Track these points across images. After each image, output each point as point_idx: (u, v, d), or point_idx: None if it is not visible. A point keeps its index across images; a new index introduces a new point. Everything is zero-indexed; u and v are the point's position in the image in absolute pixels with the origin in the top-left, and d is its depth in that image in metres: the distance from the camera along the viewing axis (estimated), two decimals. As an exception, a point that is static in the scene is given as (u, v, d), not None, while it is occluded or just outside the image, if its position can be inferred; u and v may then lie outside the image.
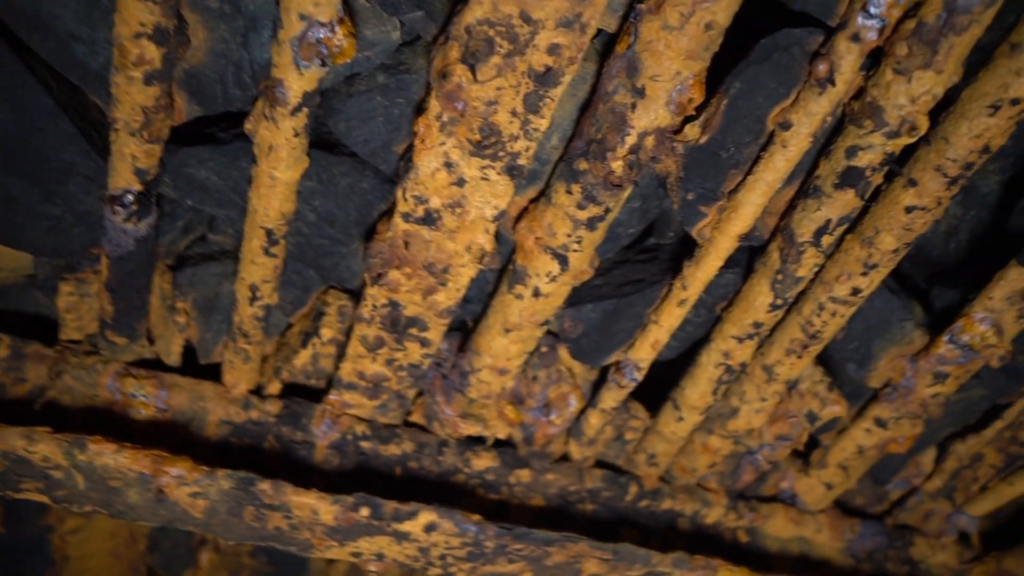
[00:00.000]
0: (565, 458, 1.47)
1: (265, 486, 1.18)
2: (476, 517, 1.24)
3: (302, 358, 1.28)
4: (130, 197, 1.03)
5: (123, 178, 1.02)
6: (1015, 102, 0.92)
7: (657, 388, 1.42)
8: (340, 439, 1.34)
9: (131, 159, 1.00)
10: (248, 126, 0.97)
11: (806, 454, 1.56)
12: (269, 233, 1.06)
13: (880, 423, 1.38)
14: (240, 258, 1.12)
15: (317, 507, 1.19)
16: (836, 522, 1.60)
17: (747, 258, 1.19)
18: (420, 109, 0.97)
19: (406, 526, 1.23)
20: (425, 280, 1.11)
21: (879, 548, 1.63)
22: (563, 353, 1.32)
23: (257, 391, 1.35)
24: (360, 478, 1.34)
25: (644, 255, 1.21)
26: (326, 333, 1.25)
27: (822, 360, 1.38)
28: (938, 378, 1.29)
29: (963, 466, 1.56)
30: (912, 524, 1.67)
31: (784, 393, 1.30)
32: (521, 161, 0.96)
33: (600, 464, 1.49)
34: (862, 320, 1.29)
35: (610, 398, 1.29)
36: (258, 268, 1.11)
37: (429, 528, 1.24)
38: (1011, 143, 1.33)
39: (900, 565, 1.63)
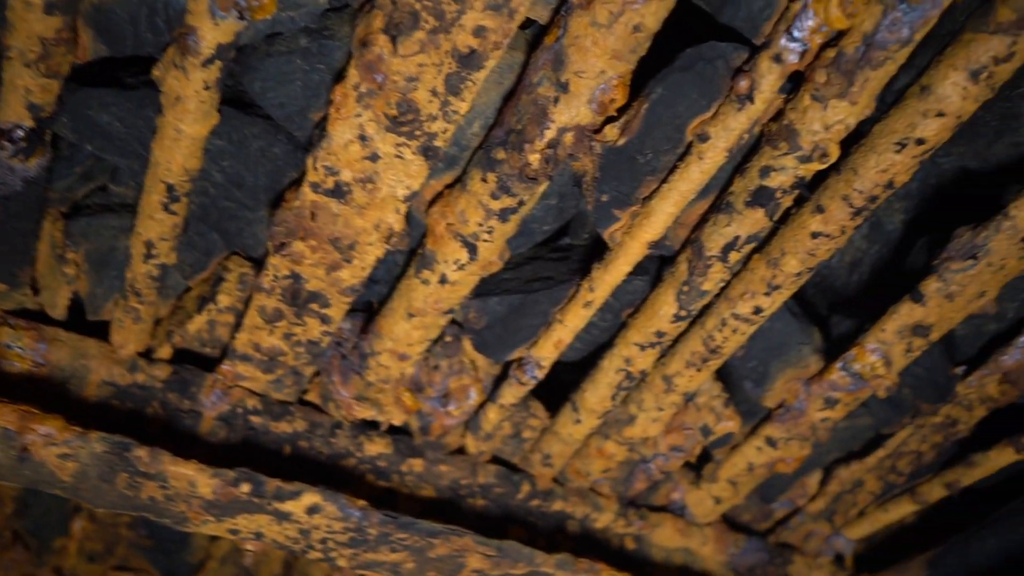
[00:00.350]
0: (461, 451, 1.45)
1: (141, 452, 1.12)
2: (361, 502, 1.22)
3: (196, 324, 1.23)
4: (20, 133, 0.97)
5: (13, 111, 0.95)
6: (920, 142, 0.95)
7: (561, 390, 1.42)
8: (229, 411, 1.29)
9: (24, 92, 0.94)
10: (156, 73, 0.93)
11: (699, 467, 1.59)
12: (170, 188, 1.01)
13: (771, 442, 1.42)
14: (138, 212, 1.06)
15: (195, 479, 1.14)
16: (721, 536, 1.63)
17: (657, 267, 1.20)
18: (340, 77, 0.94)
19: (288, 506, 1.19)
20: (330, 255, 1.08)
21: (759, 564, 1.67)
22: (467, 345, 1.31)
23: (146, 354, 1.29)
24: (246, 453, 1.30)
25: (557, 254, 1.21)
26: (223, 300, 1.21)
27: (721, 376, 1.40)
28: (828, 403, 1.33)
29: (844, 490, 1.61)
30: (793, 543, 1.72)
31: (681, 405, 1.31)
32: (438, 143, 0.94)
33: (496, 460, 1.48)
34: (762, 340, 1.32)
35: (510, 394, 1.28)
36: (156, 224, 1.06)
37: (312, 510, 1.20)
38: (916, 185, 1.38)
39: (777, 582, 1.67)
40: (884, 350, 1.25)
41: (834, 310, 1.43)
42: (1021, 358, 1.32)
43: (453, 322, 1.29)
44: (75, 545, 1.86)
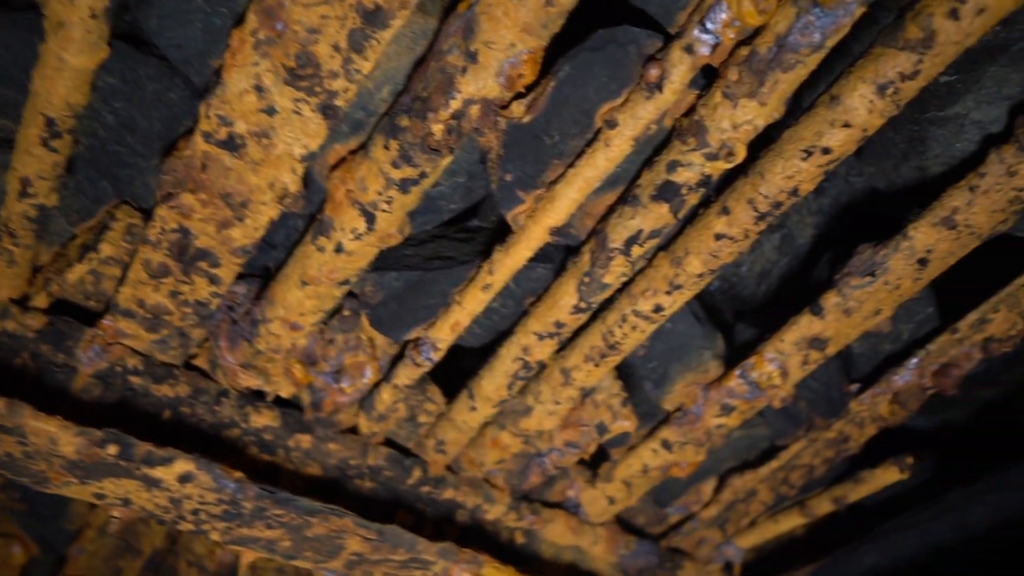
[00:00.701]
0: (353, 431, 1.41)
1: (-1, 403, 1.05)
2: (238, 474, 1.17)
3: (77, 273, 1.16)
4: None
5: None
6: (826, 151, 0.95)
7: (463, 377, 1.40)
8: (107, 369, 1.22)
9: None
10: (40, -5, 0.86)
11: (595, 466, 1.58)
12: (51, 123, 0.95)
13: (667, 445, 1.41)
14: (15, 146, 0.99)
15: (58, 436, 1.08)
16: (613, 536, 1.63)
17: (562, 257, 1.18)
18: (239, 21, 0.89)
19: (158, 472, 1.13)
20: (221, 211, 1.02)
21: (649, 567, 1.67)
22: (365, 321, 1.27)
23: (21, 302, 1.21)
24: (122, 415, 1.23)
25: (462, 235, 1.18)
26: (106, 249, 1.14)
27: (622, 375, 1.39)
28: (725, 410, 1.33)
29: (738, 499, 1.62)
30: (684, 549, 1.73)
31: (578, 400, 1.30)
32: (339, 102, 0.91)
33: (389, 444, 1.45)
34: (664, 341, 1.31)
35: (405, 375, 1.25)
36: (34, 160, 0.99)
37: (184, 478, 1.15)
38: (828, 202, 1.39)
39: (665, 586, 1.67)
40: (781, 360, 1.25)
41: (740, 318, 1.43)
42: (911, 379, 1.35)
43: (351, 296, 1.25)
44: (-60, 503, 1.75)
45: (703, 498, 1.64)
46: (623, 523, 1.69)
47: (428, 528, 1.42)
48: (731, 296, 1.45)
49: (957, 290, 1.36)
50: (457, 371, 1.43)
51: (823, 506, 1.56)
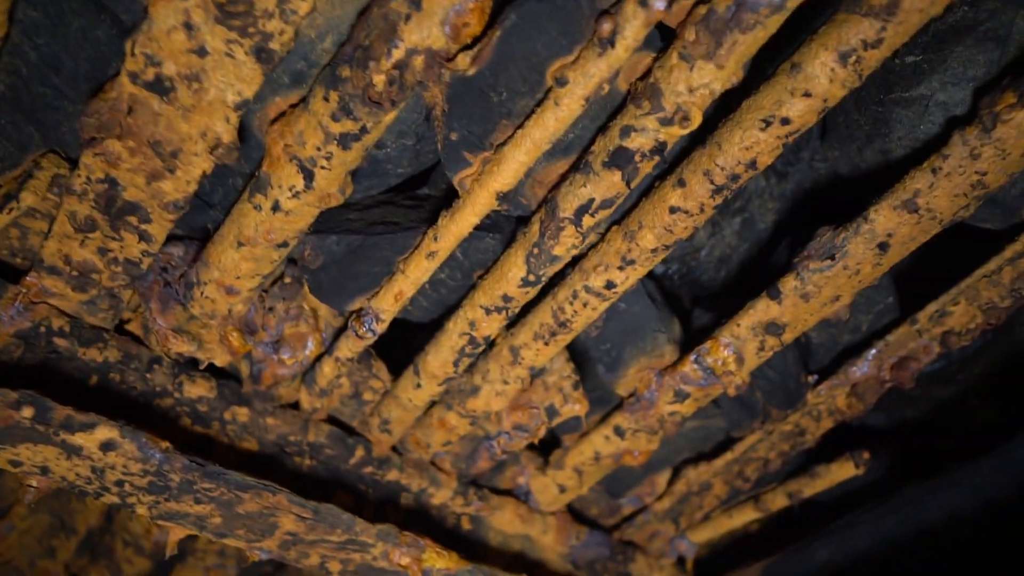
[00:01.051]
0: (294, 407, 1.36)
1: (-94, 358, 0.99)
2: (165, 444, 1.11)
3: (-3, 224, 1.10)
4: None
5: None
6: (785, 121, 0.91)
7: (412, 356, 1.35)
8: (31, 329, 1.16)
9: None
10: (-47, -84, 0.81)
11: (547, 453, 1.53)
12: (-34, 58, 0.89)
13: (619, 432, 1.37)
14: (-71, 82, 0.93)
15: (-32, 396, 1.01)
16: (564, 526, 1.59)
17: (512, 228, 1.13)
18: (169, -46, 0.83)
19: (79, 439, 1.07)
20: (151, 161, 0.97)
21: (600, 559, 1.63)
22: (308, 290, 1.21)
23: (-59, 256, 1.15)
24: (45, 378, 1.17)
25: (411, 202, 1.13)
26: (28, 199, 1.08)
27: (575, 357, 1.35)
28: (679, 396, 1.29)
29: (692, 492, 1.58)
30: (637, 542, 1.69)
31: (527, 380, 1.25)
32: (274, 45, 0.85)
33: (332, 422, 1.39)
34: (618, 323, 1.27)
35: (347, 347, 1.20)
36: (-51, 99, 0.93)
37: (106, 446, 1.09)
38: (791, 187, 1.36)
39: (615, 579, 1.64)
40: (737, 346, 1.22)
41: (698, 304, 1.40)
42: (869, 371, 1.32)
43: (293, 263, 1.20)
44: None
45: (657, 490, 1.60)
46: (575, 514, 1.65)
47: (369, 510, 1.37)
48: (689, 281, 1.41)
49: (920, 282, 1.34)
50: (408, 350, 1.38)
51: (777, 501, 1.53)
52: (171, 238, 1.19)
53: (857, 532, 1.43)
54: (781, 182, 1.33)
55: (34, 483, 1.13)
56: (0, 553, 1.93)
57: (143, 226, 1.05)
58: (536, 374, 1.29)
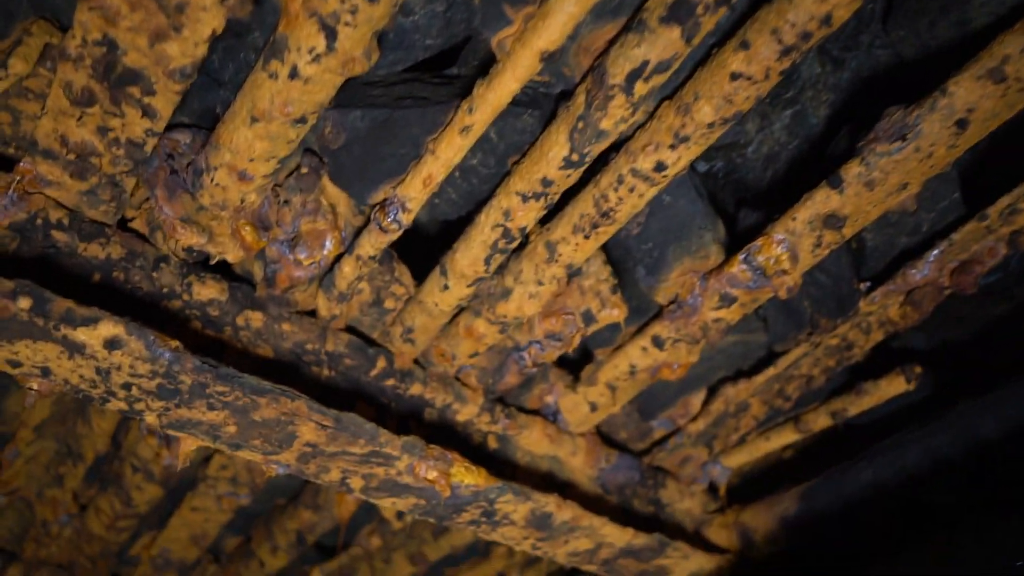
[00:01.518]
0: (311, 315, 1.27)
1: None
2: (174, 343, 1.02)
3: (-16, 98, 1.00)
4: None
5: None
6: (869, -35, 0.81)
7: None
8: (26, 221, 1.07)
9: None
10: None
11: (577, 371, 1.45)
12: None
13: (658, 342, 1.29)
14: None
15: (-41, 284, 0.92)
16: (593, 448, 1.51)
17: (552, 107, 1.03)
18: None
19: (81, 335, 0.99)
20: (154, 17, 0.86)
21: (630, 483, 1.56)
22: (327, 183, 1.12)
23: (-73, 140, 1.05)
24: (42, 274, 1.08)
25: (439, 79, 1.03)
26: (17, 66, 0.98)
27: (613, 261, 1.26)
28: (725, 301, 1.20)
29: (728, 413, 1.51)
30: (667, 467, 1.62)
31: (564, 280, 1.16)
32: None
33: (351, 333, 1.31)
34: (662, 219, 1.18)
35: (369, 244, 1.10)
36: (-75, -57, 0.83)
37: (112, 344, 1.00)
38: (847, 76, 1.25)
39: (646, 504, 1.56)
40: (792, 242, 1.12)
41: (743, 205, 1.30)
42: (929, 275, 1.23)
43: (310, 153, 1.10)
44: None
45: (691, 411, 1.52)
46: (604, 438, 1.57)
47: (392, 423, 1.29)
48: (734, 181, 1.31)
49: (983, 180, 1.24)
50: (429, 260, 1.29)
51: (820, 420, 1.45)
52: (177, 125, 1.09)
53: (906, 451, 1.35)
54: (837, 70, 1.23)
55: (35, 386, 1.05)
56: (7, 482, 1.87)
57: (146, 99, 0.95)
58: (572, 274, 1.20)
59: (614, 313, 1.21)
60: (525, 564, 2.06)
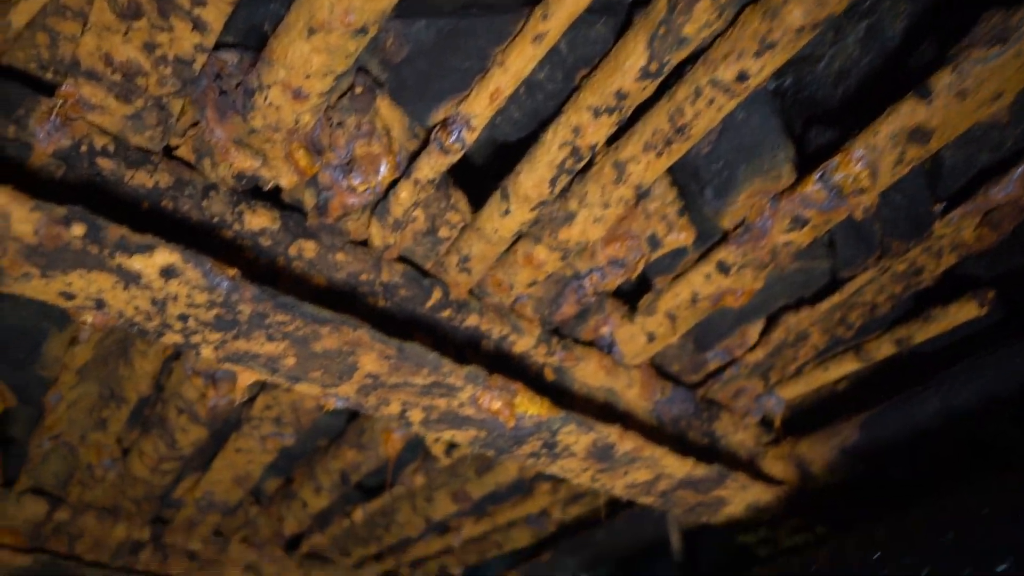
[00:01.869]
0: (364, 244, 1.22)
1: (-65, 166, 0.85)
2: (232, 271, 0.98)
3: (20, 15, 0.94)
4: None
5: None
6: None
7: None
8: (71, 149, 1.02)
9: None
10: None
11: (633, 301, 1.41)
12: None
13: (723, 268, 1.24)
14: None
15: (9, 211, 0.88)
16: (648, 380, 1.48)
17: (627, 14, 0.96)
18: None
19: (136, 263, 0.94)
20: (206, -84, 0.80)
21: (684, 415, 1.53)
22: (381, 104, 1.06)
23: (-38, 64, 0.99)
24: (89, 202, 1.03)
25: (507, -14, 0.96)
26: (57, -25, 0.92)
27: (679, 182, 1.20)
28: (797, 223, 1.15)
29: (787, 342, 1.46)
30: (721, 400, 1.59)
31: (632, 203, 1.11)
32: None
33: (404, 263, 1.26)
34: (733, 137, 1.12)
35: (428, 166, 1.05)
36: None
37: (167, 272, 0.96)
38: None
39: (701, 436, 1.54)
40: (872, 159, 1.06)
41: (813, 123, 1.24)
42: (1012, 192, 1.17)
43: (364, 72, 1.04)
44: None
45: (748, 341, 1.48)
46: (657, 370, 1.54)
47: (450, 354, 1.25)
48: (803, 99, 1.25)
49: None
50: (481, 188, 1.24)
51: (883, 349, 1.41)
52: (222, 45, 1.03)
53: (978, 376, 1.31)
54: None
55: (89, 319, 1.02)
56: (50, 427, 1.86)
57: (196, 10, 0.89)
58: (640, 196, 1.15)
59: (681, 237, 1.16)
60: (568, 500, 2.05)
